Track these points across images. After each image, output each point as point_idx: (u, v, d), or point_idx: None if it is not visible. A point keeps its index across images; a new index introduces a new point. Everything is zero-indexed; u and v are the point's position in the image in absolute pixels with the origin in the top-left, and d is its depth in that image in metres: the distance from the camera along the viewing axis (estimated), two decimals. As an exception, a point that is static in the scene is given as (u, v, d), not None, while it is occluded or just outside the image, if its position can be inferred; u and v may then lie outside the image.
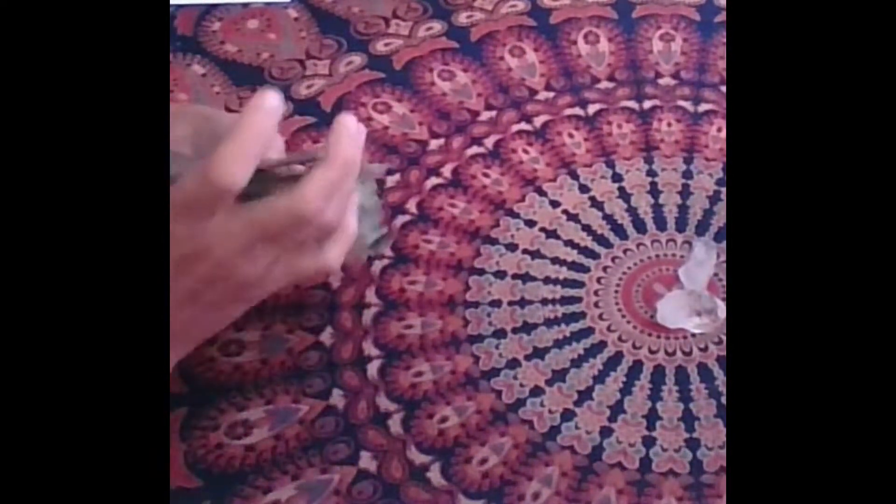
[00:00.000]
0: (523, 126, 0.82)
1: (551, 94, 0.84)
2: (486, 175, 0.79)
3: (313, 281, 0.71)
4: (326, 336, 0.71)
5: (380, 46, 0.87)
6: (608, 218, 0.77)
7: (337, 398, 0.68)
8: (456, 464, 0.65)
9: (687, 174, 0.79)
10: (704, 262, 0.72)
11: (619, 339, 0.71)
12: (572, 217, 0.77)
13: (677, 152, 0.81)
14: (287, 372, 0.69)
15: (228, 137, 0.54)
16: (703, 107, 0.83)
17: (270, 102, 0.55)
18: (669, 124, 0.82)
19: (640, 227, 0.76)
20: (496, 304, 0.72)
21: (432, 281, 0.74)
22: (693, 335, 0.71)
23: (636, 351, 0.70)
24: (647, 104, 0.84)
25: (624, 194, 0.78)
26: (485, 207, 0.77)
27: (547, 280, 0.74)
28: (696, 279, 0.72)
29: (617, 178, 0.79)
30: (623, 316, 0.72)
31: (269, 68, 0.85)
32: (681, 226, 0.76)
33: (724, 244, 0.74)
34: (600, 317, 0.72)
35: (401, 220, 0.77)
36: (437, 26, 0.89)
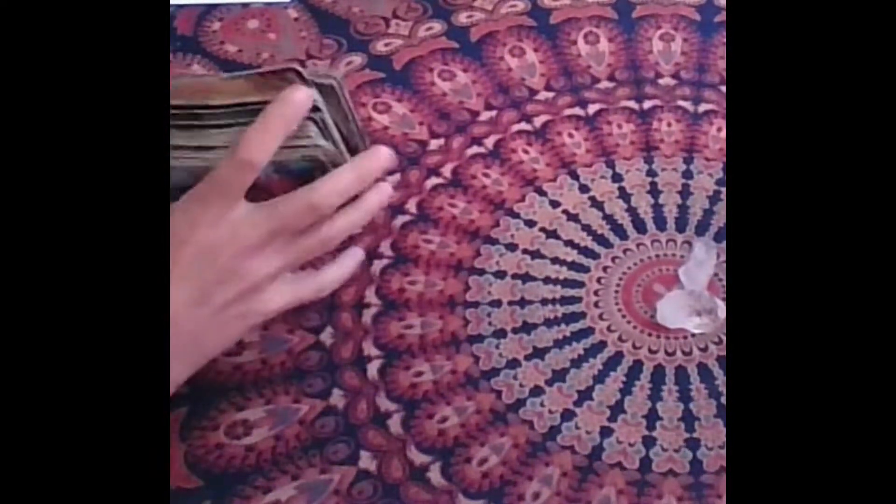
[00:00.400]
0: (523, 126, 0.82)
1: (551, 94, 0.84)
2: (486, 175, 0.79)
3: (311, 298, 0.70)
4: (326, 336, 0.71)
5: (380, 46, 0.87)
6: (608, 218, 0.77)
7: (337, 398, 0.68)
8: (456, 464, 0.65)
9: (687, 174, 0.79)
10: (704, 262, 0.72)
11: (619, 339, 0.71)
12: (572, 217, 0.77)
13: (677, 152, 0.81)
14: (287, 372, 0.69)
15: (255, 123, 0.59)
16: (703, 107, 0.83)
17: (299, 96, 0.59)
18: (669, 124, 0.82)
19: (640, 227, 0.76)
20: (496, 304, 0.73)
21: (432, 281, 0.74)
22: (693, 335, 0.71)
23: (636, 351, 0.70)
24: (647, 104, 0.84)
25: (624, 194, 0.78)
26: (485, 207, 0.77)
27: (547, 280, 0.74)
28: (696, 279, 0.72)
29: (617, 178, 0.79)
30: (623, 316, 0.72)
31: (269, 68, 0.85)
32: (681, 226, 0.76)
33: (724, 244, 0.74)
34: (600, 317, 0.72)
35: (401, 220, 0.77)
36: (437, 26, 0.89)
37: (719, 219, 0.77)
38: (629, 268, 0.74)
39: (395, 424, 0.67)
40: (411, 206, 0.77)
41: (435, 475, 0.65)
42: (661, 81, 0.85)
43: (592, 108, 0.83)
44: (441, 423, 0.67)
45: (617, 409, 0.68)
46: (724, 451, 0.65)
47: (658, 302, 0.72)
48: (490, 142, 0.81)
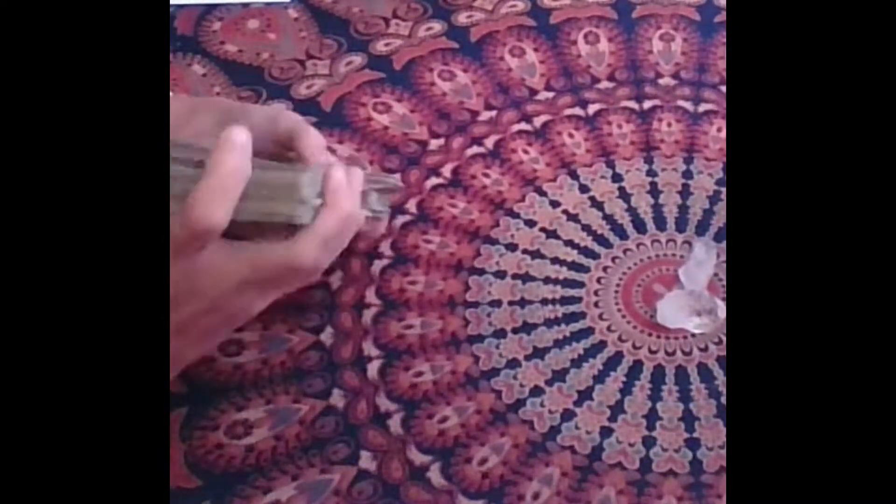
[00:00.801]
0: (523, 126, 0.82)
1: (551, 94, 0.84)
2: (486, 175, 0.79)
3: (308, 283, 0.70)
4: (326, 336, 0.71)
5: (380, 46, 0.87)
6: (608, 218, 0.77)
7: (337, 398, 0.68)
8: (456, 464, 0.65)
9: (687, 174, 0.79)
10: (704, 262, 0.72)
11: (619, 339, 0.71)
12: (572, 217, 0.77)
13: (677, 152, 0.81)
14: (287, 372, 0.69)
15: (202, 178, 0.55)
16: (703, 107, 0.83)
17: (238, 138, 0.56)
18: (669, 124, 0.82)
19: (640, 227, 0.76)
20: (496, 304, 0.72)
21: (432, 281, 0.74)
22: (693, 335, 0.71)
23: (636, 351, 0.70)
24: (647, 104, 0.84)
25: (624, 194, 0.78)
26: (485, 207, 0.77)
27: (547, 280, 0.74)
28: (696, 279, 0.72)
29: (617, 178, 0.79)
30: (623, 316, 0.72)
31: (269, 68, 0.85)
32: (681, 226, 0.76)
33: (724, 244, 0.74)
34: (600, 317, 0.72)
35: (401, 219, 0.77)
36: (437, 26, 0.89)
37: (719, 219, 0.77)
38: (629, 268, 0.74)
39: (395, 424, 0.67)
40: (411, 206, 0.77)
41: (435, 475, 0.65)
42: (661, 81, 0.85)
43: (592, 108, 0.83)
44: (441, 423, 0.67)
45: (617, 410, 0.68)
46: (724, 451, 0.65)
47: (658, 302, 0.72)
48: (490, 142, 0.81)
